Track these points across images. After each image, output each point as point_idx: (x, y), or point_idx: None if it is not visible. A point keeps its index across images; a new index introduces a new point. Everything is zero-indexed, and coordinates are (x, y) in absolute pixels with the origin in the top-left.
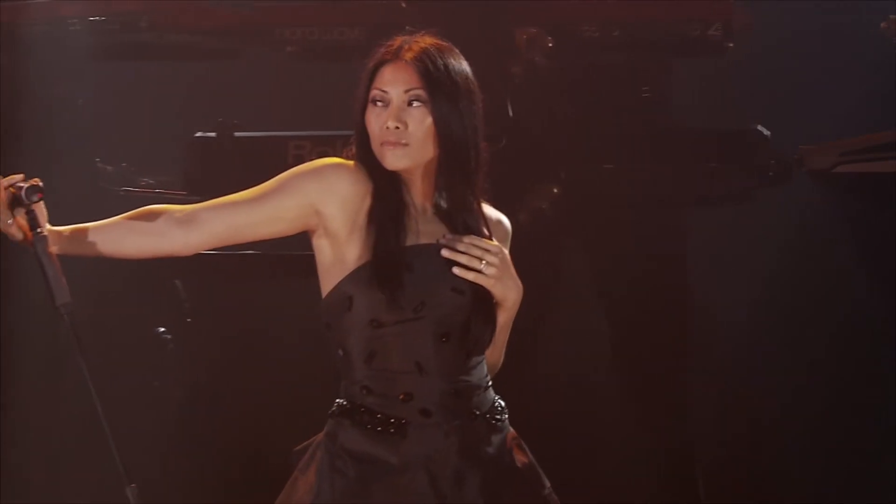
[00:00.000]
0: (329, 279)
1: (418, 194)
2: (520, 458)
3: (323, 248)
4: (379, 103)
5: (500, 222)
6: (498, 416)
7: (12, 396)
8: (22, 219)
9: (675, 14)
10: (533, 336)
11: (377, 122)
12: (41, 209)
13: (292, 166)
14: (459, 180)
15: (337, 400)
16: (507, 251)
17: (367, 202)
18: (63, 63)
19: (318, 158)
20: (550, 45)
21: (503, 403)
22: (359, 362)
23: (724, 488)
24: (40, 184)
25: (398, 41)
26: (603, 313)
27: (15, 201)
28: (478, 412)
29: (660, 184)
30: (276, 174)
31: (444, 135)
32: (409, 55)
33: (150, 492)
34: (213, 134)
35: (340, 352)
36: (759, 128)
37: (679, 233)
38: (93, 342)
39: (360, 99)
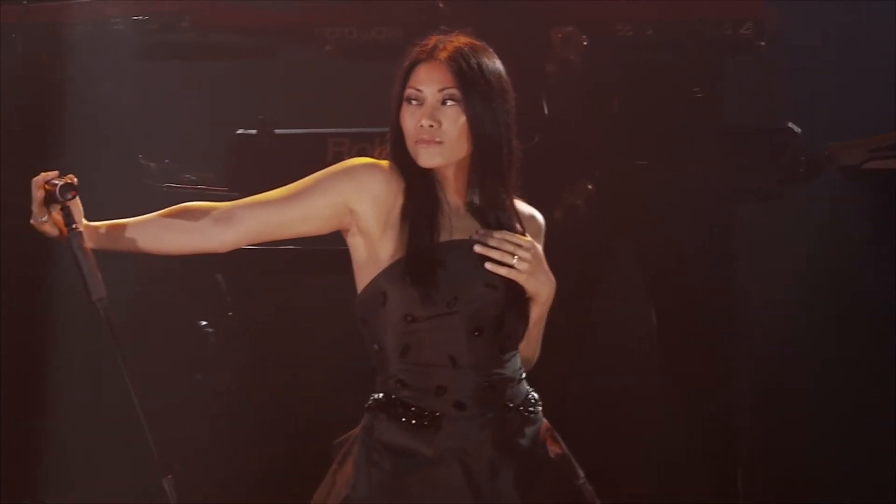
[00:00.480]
0: (364, 276)
1: (451, 191)
2: (553, 450)
3: (357, 246)
4: (413, 102)
5: (533, 218)
6: (531, 408)
7: (56, 390)
8: (57, 215)
9: (707, 13)
10: (570, 331)
11: (412, 120)
12: (76, 205)
13: (332, 163)
14: (492, 178)
15: (373, 394)
16: (540, 247)
17: (400, 200)
18: (106, 62)
19: (358, 155)
20: (585, 43)
21: (536, 396)
22: (393, 356)
23: (763, 486)
24: (74, 181)
25: (432, 40)
26: (637, 309)
27: (50, 198)
28: (511, 405)
29: (691, 181)
30: (316, 171)
31: (478, 133)
32: (443, 54)
33: (189, 484)
34: (254, 131)
35: (376, 346)
36: (790, 125)
37: (710, 229)
38: (135, 336)
39: (395, 98)
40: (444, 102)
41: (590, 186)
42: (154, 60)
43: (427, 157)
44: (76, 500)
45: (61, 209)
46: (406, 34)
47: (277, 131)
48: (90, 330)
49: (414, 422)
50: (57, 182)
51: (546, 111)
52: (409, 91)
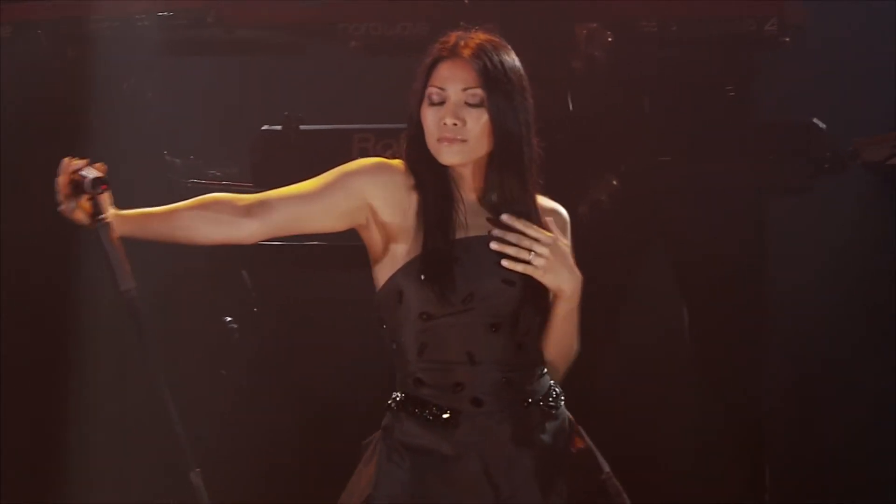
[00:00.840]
0: (381, 275)
1: (467, 189)
2: (576, 444)
3: (374, 245)
4: (436, 100)
5: (556, 213)
6: (552, 403)
7: (83, 384)
8: (86, 203)
9: (731, 10)
10: (597, 329)
11: (434, 118)
12: (105, 195)
13: (356, 156)
14: (512, 176)
15: (394, 393)
16: (565, 241)
17: (415, 199)
18: (132, 58)
19: (383, 151)
20: (609, 40)
21: (559, 390)
22: (411, 354)
23: (792, 483)
24: (104, 175)
25: (453, 37)
26: (665, 306)
27: (77, 188)
28: (531, 400)
29: (716, 176)
30: (341, 164)
31: (500, 132)
32: (466, 52)
33: (215, 478)
34: (279, 127)
35: (394, 345)
36: (815, 120)
37: (736, 225)
38: (161, 331)
39: (416, 94)
40: (467, 101)
41: (614, 182)
42: (179, 56)
43: (450, 156)
44: (88, 501)
45: (90, 199)
46: (431, 30)
47: (302, 127)
48: (95, 328)
49: (432, 419)
50: (86, 174)
51: (571, 107)
52: (431, 89)
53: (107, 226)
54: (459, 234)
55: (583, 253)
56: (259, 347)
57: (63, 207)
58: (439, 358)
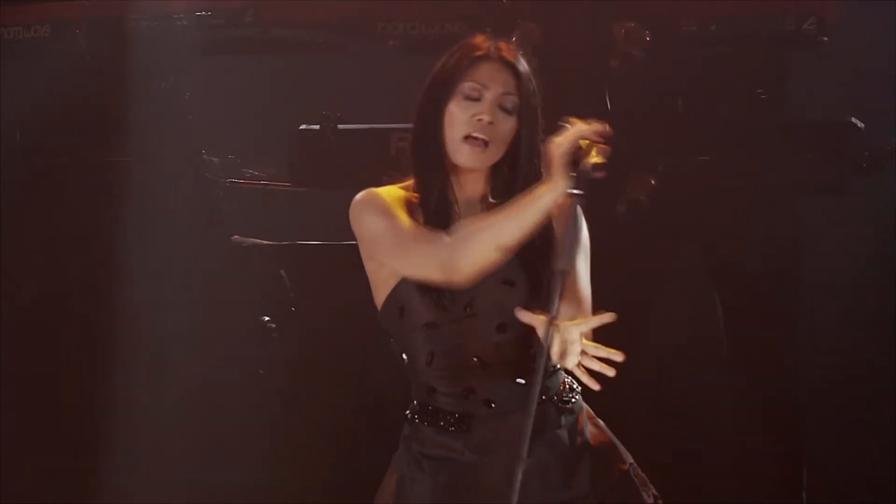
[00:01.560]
0: (381, 291)
1: (467, 190)
2: (595, 436)
3: (373, 265)
4: (473, 95)
5: None
6: (567, 397)
7: (118, 386)
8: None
9: (770, 9)
10: (633, 328)
11: (466, 112)
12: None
13: (395, 158)
14: (518, 183)
15: (410, 404)
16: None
17: (410, 209)
18: (169, 57)
19: None
20: (648, 39)
21: (574, 383)
22: (421, 365)
23: (829, 484)
24: (604, 162)
25: (483, 40)
26: (701, 305)
27: (576, 157)
28: (545, 396)
29: (754, 175)
30: (379, 166)
31: (524, 142)
32: (510, 56)
33: (254, 477)
34: (317, 126)
35: (404, 356)
36: (853, 120)
37: (773, 224)
38: (198, 330)
39: (444, 89)
40: (502, 105)
41: (653, 182)
42: (217, 56)
43: (472, 158)
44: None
45: (578, 170)
46: (468, 29)
47: (340, 126)
48: (154, 327)
49: (443, 424)
50: (595, 156)
51: (609, 106)
52: (469, 84)
53: (576, 203)
54: None
55: (621, 251)
56: (298, 348)
57: (557, 149)
58: (449, 365)
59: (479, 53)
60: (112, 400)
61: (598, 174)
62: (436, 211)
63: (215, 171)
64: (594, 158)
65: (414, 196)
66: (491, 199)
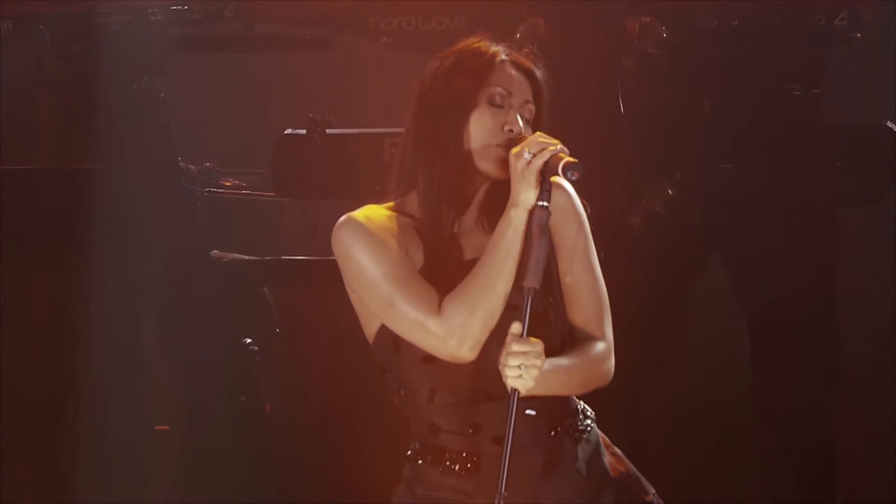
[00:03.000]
0: (371, 324)
1: (469, 206)
2: (615, 467)
3: (357, 298)
4: (498, 101)
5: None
6: (582, 426)
7: (85, 417)
8: (537, 180)
9: (799, 3)
10: (654, 347)
11: (495, 121)
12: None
13: (388, 166)
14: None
15: (411, 444)
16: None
17: (402, 237)
18: (143, 56)
19: None
20: (664, 35)
21: (588, 410)
22: (421, 401)
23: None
24: (579, 164)
25: (491, 41)
26: (725, 321)
27: (548, 168)
28: (559, 427)
29: (781, 183)
30: (372, 174)
31: None
32: (531, 61)
33: None
34: (303, 131)
35: (402, 391)
36: (889, 123)
37: (803, 236)
38: (176, 353)
39: (466, 94)
40: (522, 114)
41: (670, 191)
42: (195, 54)
43: (503, 166)
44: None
45: (542, 181)
46: (469, 26)
47: (329, 131)
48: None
49: (449, 465)
50: (565, 157)
51: (622, 109)
52: (496, 90)
53: (546, 214)
54: (459, 259)
55: (635, 268)
56: (283, 373)
57: (522, 161)
58: (452, 400)
59: (496, 55)
60: (81, 432)
61: (574, 176)
62: (442, 247)
63: (192, 180)
64: (566, 158)
65: (406, 219)
66: (540, 203)
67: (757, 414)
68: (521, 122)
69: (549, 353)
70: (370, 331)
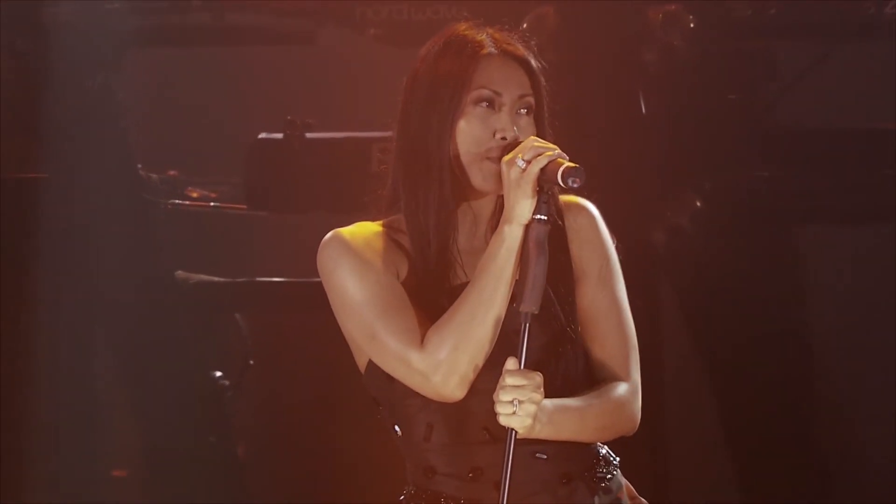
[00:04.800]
0: (362, 351)
1: (472, 222)
2: None
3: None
4: (486, 105)
5: (578, 212)
6: (602, 472)
7: (40, 458)
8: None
9: None
10: (679, 382)
11: (485, 127)
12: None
13: (377, 174)
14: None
15: (405, 488)
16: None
17: (395, 258)
18: (98, 50)
19: None
20: (692, 25)
21: (612, 455)
22: (417, 439)
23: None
24: (580, 169)
25: (476, 31)
26: (757, 353)
27: (546, 176)
28: (573, 474)
29: (823, 194)
30: (358, 183)
31: None
32: (519, 48)
33: None
34: (280, 135)
35: (396, 428)
36: None
37: (847, 256)
38: (136, 390)
39: (447, 100)
40: (520, 110)
41: (698, 203)
42: (156, 48)
43: (495, 179)
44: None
45: (541, 191)
46: (471, 15)
47: (309, 135)
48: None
49: None
50: (565, 161)
51: (643, 109)
52: (482, 92)
53: (544, 229)
54: (453, 279)
55: (657, 292)
56: (257, 410)
57: (516, 170)
58: (451, 439)
59: (480, 49)
60: (28, 481)
61: (575, 183)
62: (433, 272)
63: (154, 191)
64: (565, 163)
65: (400, 238)
66: (537, 216)
67: (795, 439)
68: (514, 129)
69: (563, 390)
70: (361, 360)
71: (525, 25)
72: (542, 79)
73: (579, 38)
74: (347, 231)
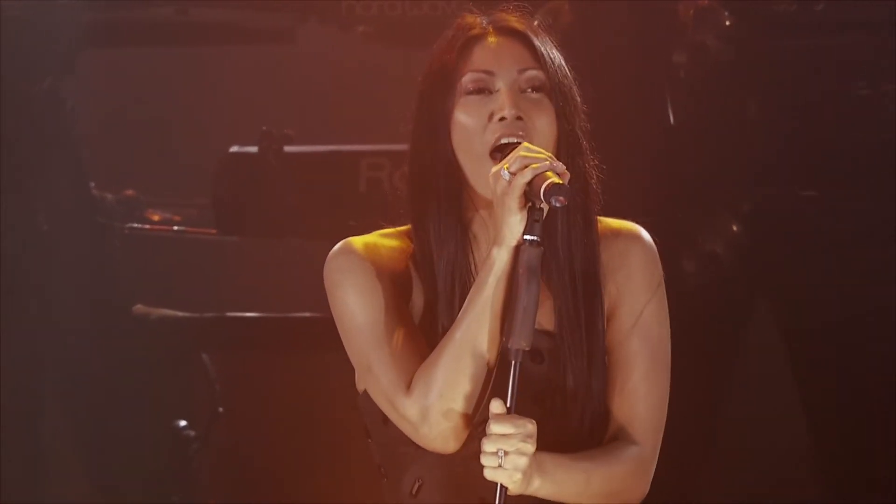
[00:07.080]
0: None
1: (489, 239)
2: None
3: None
4: (477, 91)
5: (629, 240)
6: None
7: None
8: (523, 209)
9: None
10: (703, 407)
11: (479, 113)
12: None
13: (365, 191)
14: (576, 210)
15: None
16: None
17: (406, 277)
18: (47, 51)
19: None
20: (728, 23)
21: None
22: (403, 492)
23: None
24: (565, 186)
25: (474, 16)
26: (790, 386)
27: (531, 191)
28: None
29: (877, 215)
30: (344, 202)
31: (566, 134)
32: (515, 24)
33: None
34: (254, 148)
35: (382, 469)
36: None
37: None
38: (91, 440)
39: (439, 94)
40: (524, 86)
41: (734, 227)
42: (113, 48)
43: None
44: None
45: (530, 209)
46: (475, 7)
47: (287, 149)
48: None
49: None
50: (554, 178)
51: (672, 119)
52: (469, 77)
53: (536, 252)
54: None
55: (689, 327)
56: (226, 463)
57: (502, 183)
58: (440, 499)
59: (470, 34)
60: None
61: (558, 203)
62: (444, 293)
63: (109, 213)
64: (551, 178)
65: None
66: (526, 237)
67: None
68: (522, 99)
69: (572, 444)
70: (360, 384)
71: (536, 23)
72: (554, 51)
73: (598, 36)
74: (361, 242)
